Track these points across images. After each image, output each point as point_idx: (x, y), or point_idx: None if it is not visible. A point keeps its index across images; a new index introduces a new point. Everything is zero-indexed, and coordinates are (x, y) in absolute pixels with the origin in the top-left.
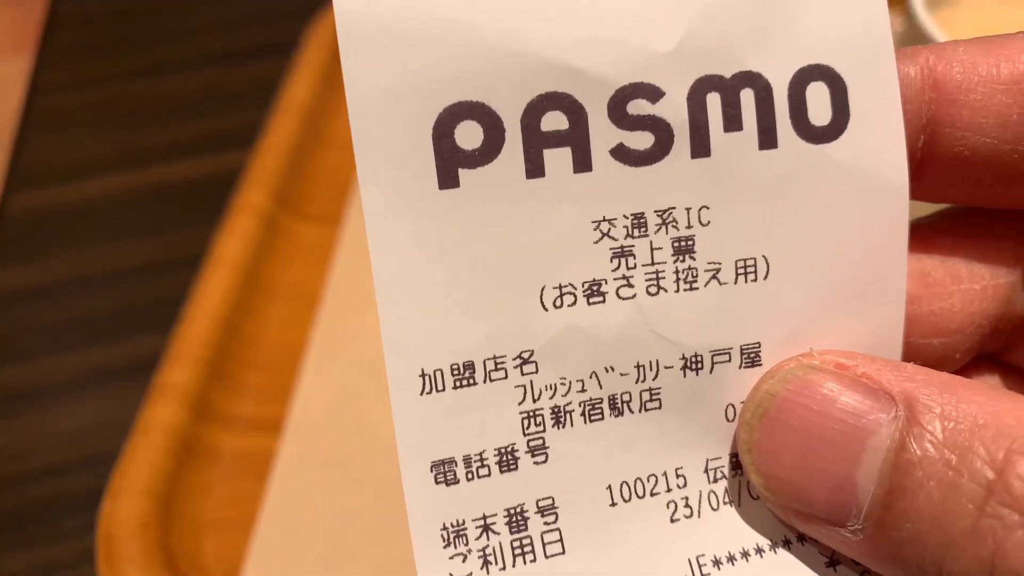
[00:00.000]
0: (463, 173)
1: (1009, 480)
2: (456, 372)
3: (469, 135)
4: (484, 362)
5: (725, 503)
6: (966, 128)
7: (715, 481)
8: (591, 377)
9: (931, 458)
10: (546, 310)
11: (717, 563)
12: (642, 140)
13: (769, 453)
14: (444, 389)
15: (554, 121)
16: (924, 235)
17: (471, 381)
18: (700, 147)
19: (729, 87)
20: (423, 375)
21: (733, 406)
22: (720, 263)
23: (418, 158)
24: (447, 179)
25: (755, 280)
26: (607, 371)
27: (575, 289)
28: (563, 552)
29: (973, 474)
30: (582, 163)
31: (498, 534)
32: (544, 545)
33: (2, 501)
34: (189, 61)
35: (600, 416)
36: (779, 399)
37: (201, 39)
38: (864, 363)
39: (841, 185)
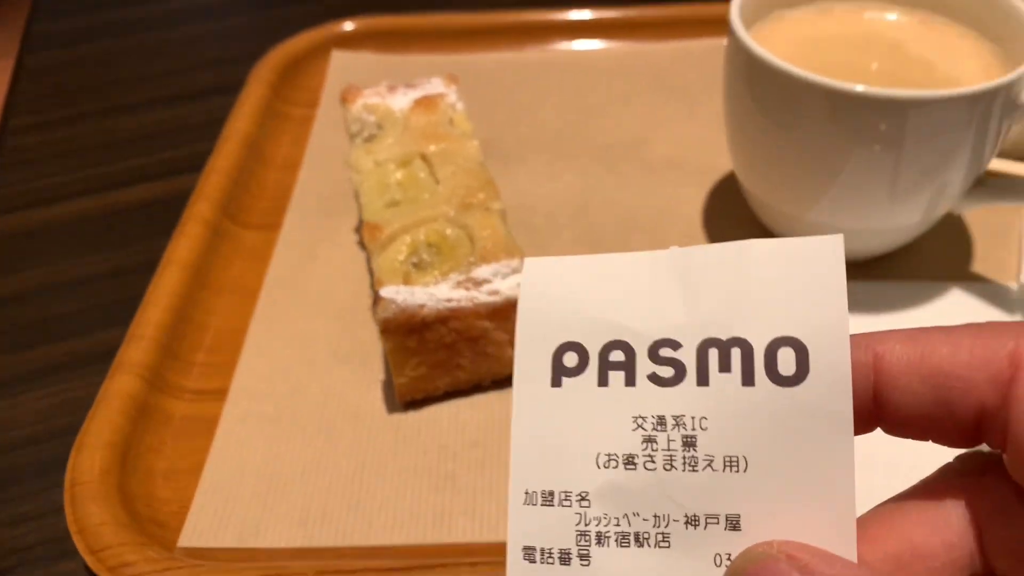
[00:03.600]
0: (564, 380)
1: None
2: (543, 496)
3: (570, 359)
4: (558, 493)
5: None
6: (899, 399)
7: None
8: (624, 517)
9: None
10: (599, 468)
11: None
12: (666, 372)
13: None
14: (536, 504)
15: (617, 356)
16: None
17: (551, 503)
18: (703, 379)
19: (724, 346)
20: (527, 492)
21: (719, 555)
22: (713, 456)
23: (543, 368)
24: (556, 382)
25: (738, 472)
26: (634, 515)
27: (617, 458)
28: None
29: None
30: (630, 381)
31: None
32: None
33: None
34: (143, 102)
35: (628, 544)
36: (747, 573)
37: (154, 83)
38: (808, 556)
39: (800, 415)
